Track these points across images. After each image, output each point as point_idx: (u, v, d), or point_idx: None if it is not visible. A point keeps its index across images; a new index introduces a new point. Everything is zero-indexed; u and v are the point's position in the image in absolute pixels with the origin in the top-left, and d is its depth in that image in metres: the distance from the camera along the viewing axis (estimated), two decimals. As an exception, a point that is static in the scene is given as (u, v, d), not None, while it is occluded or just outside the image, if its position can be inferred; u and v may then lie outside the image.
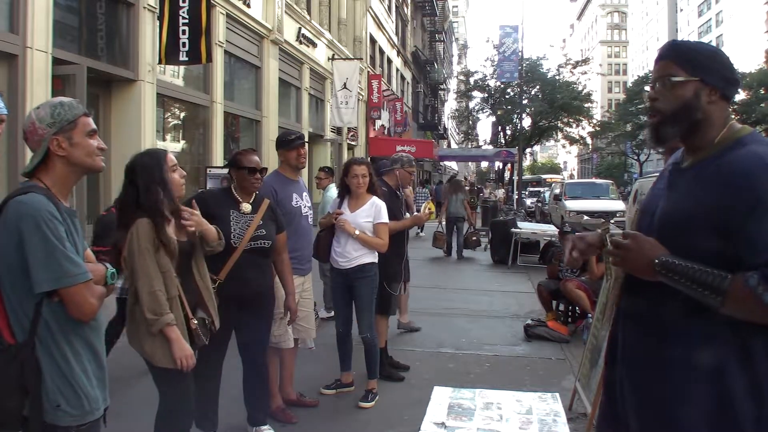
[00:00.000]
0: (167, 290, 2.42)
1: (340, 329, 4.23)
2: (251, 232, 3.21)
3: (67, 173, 1.83)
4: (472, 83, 35.70)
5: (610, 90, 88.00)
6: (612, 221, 12.72)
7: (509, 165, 31.24)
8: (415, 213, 5.32)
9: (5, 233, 1.71)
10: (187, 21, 7.09)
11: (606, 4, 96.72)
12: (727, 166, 1.47)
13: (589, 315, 5.43)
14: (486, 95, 35.06)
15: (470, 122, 42.09)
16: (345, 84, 15.67)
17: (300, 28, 13.69)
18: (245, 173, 3.26)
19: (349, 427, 3.80)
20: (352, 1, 18.84)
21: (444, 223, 12.06)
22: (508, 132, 35.31)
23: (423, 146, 23.68)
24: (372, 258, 4.09)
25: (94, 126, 1.88)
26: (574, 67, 33.67)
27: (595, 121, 38.07)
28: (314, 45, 14.76)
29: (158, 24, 7.32)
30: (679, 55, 1.58)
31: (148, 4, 7.55)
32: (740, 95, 33.76)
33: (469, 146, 46.41)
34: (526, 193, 29.80)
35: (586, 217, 13.27)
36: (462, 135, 48.42)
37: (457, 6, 69.59)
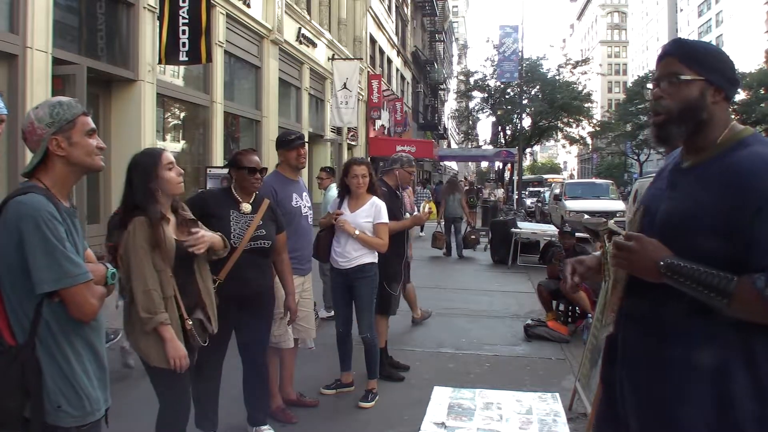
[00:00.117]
0: (163, 290, 2.42)
1: (340, 329, 4.23)
2: (251, 232, 3.20)
3: (67, 173, 1.83)
4: (472, 83, 35.67)
5: (610, 90, 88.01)
6: (612, 221, 12.69)
7: (509, 165, 31.22)
8: (416, 213, 5.31)
9: (5, 233, 1.70)
10: (187, 21, 7.09)
11: (606, 4, 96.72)
12: (731, 167, 1.46)
13: (589, 315, 5.43)
14: (486, 95, 35.04)
15: (470, 122, 42.06)
16: (345, 84, 15.67)
17: (300, 28, 13.69)
18: (245, 173, 3.25)
19: (349, 427, 3.80)
20: (352, 1, 18.84)
21: (443, 223, 12.07)
22: (508, 132, 35.29)
23: (423, 146, 23.68)
24: (372, 258, 4.09)
25: (93, 125, 1.88)
26: (574, 67, 33.65)
27: (595, 121, 38.07)
28: (314, 45, 14.76)
29: (158, 24, 7.32)
30: (684, 54, 1.57)
31: (148, 4, 7.55)
32: (740, 95, 33.76)
33: (469, 146, 46.40)
34: (526, 193, 29.79)
35: (586, 216, 13.27)
36: (462, 135, 48.40)
37: (457, 6, 69.60)
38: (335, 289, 4.25)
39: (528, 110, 32.26)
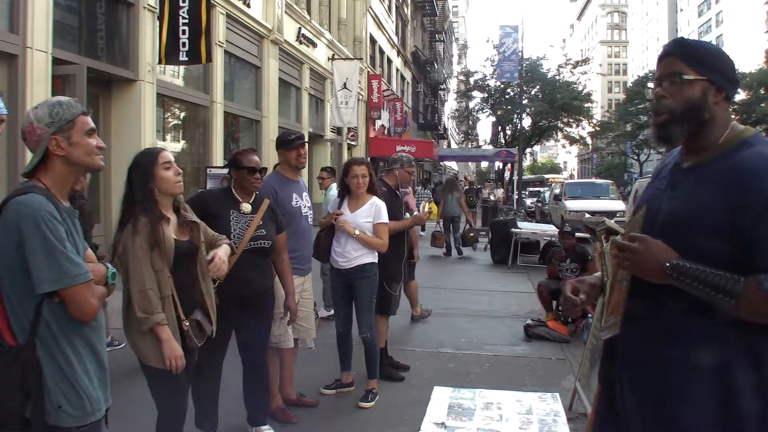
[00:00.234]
0: (160, 290, 2.42)
1: (340, 329, 4.23)
2: (251, 232, 3.20)
3: (67, 173, 1.83)
4: (472, 83, 35.66)
5: (610, 90, 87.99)
6: (612, 221, 12.69)
7: (509, 165, 31.21)
8: (415, 213, 5.31)
9: (5, 234, 1.70)
10: (187, 21, 7.10)
11: (606, 4, 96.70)
12: (734, 167, 1.45)
13: (589, 315, 5.42)
14: (486, 95, 35.02)
15: (470, 122, 42.05)
16: (345, 84, 15.67)
17: (300, 28, 13.69)
18: (245, 173, 3.25)
19: (349, 427, 3.80)
20: (352, 1, 18.84)
21: (442, 222, 12.08)
22: (508, 132, 35.29)
23: (423, 146, 23.66)
24: (372, 258, 4.09)
25: (92, 125, 1.87)
26: (574, 67, 33.63)
27: (595, 121, 38.06)
28: (314, 45, 14.76)
29: (158, 24, 7.33)
30: (686, 53, 1.56)
31: (148, 4, 7.55)
32: (740, 95, 33.75)
33: (469, 146, 46.38)
34: (526, 193, 29.79)
35: (587, 215, 13.26)
36: (462, 135, 48.38)
37: (457, 6, 69.59)
38: (335, 289, 4.25)
39: (528, 110, 32.25)
